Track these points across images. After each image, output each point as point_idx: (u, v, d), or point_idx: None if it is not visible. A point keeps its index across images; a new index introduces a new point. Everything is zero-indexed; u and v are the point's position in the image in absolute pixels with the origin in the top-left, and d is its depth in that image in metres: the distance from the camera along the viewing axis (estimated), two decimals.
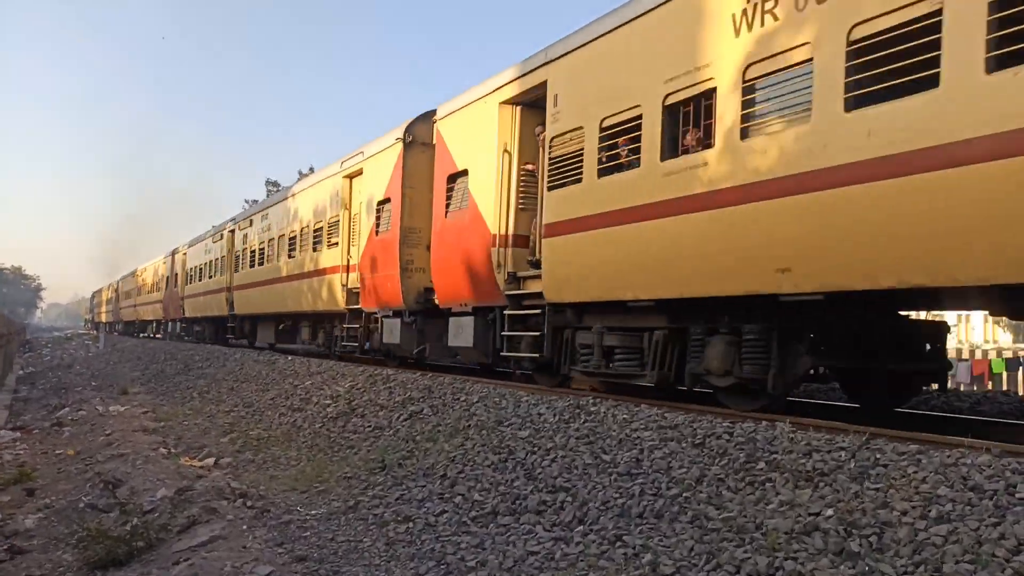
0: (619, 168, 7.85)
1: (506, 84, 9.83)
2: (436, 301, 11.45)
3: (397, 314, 12.64)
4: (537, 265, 9.12)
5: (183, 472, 8.26)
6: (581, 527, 5.16)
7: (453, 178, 11.09)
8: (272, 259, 19.31)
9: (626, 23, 7.77)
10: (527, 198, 9.88)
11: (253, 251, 21.08)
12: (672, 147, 7.19)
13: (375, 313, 13.57)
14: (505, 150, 9.94)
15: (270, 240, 19.71)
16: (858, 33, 5.49)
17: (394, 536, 5.78)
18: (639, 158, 7.49)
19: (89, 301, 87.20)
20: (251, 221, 21.84)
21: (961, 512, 3.88)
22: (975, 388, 14.56)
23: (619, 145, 7.91)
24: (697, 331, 7.21)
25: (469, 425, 7.72)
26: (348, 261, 14.63)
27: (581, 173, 8.26)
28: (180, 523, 6.22)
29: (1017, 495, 3.87)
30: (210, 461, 9.26)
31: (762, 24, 6.24)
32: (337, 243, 15.05)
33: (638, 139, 7.49)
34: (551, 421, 6.98)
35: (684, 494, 5.01)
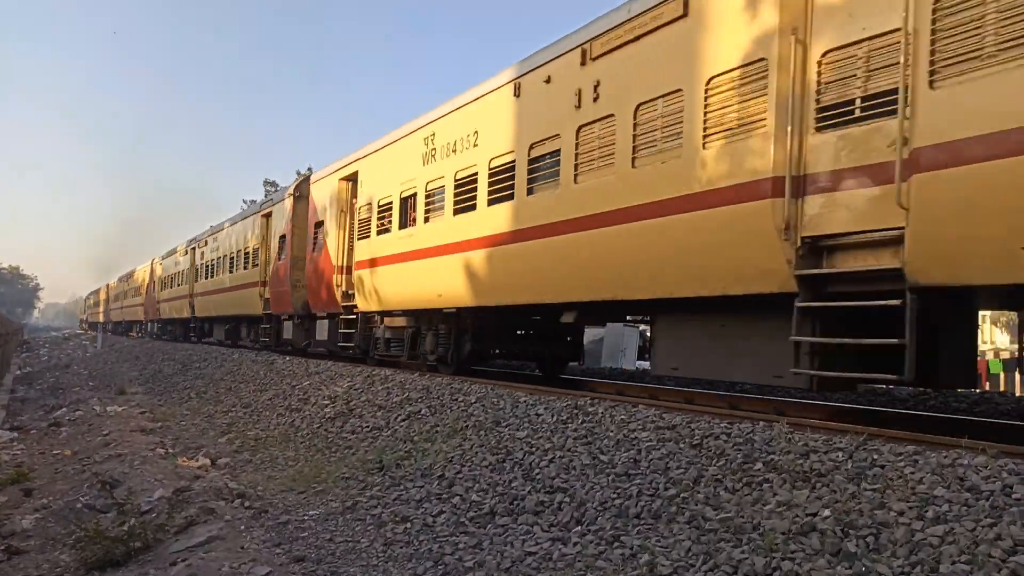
0: (385, 230, 12.88)
1: (342, 167, 15.07)
2: (311, 309, 16.53)
3: (290, 317, 17.89)
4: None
5: (181, 472, 8.26)
6: (579, 527, 5.16)
7: (317, 225, 16.22)
8: (219, 272, 24.29)
9: (391, 143, 13.03)
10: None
11: (207, 265, 26.04)
12: (403, 221, 12.36)
13: (280, 316, 18.68)
14: (341, 209, 14.94)
15: (218, 258, 24.74)
16: (495, 164, 9.93)
17: (392, 536, 5.79)
18: (390, 225, 12.71)
19: (83, 302, 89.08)
20: (206, 242, 26.78)
21: (958, 513, 3.89)
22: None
23: (385, 215, 12.92)
24: (422, 329, 12.21)
25: (467, 426, 7.73)
26: (264, 278, 19.43)
27: (368, 231, 13.50)
28: (178, 523, 6.21)
29: (1014, 496, 3.88)
30: (208, 461, 9.24)
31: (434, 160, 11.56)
32: (257, 264, 20.14)
33: (389, 213, 12.76)
34: (549, 422, 6.98)
35: (682, 494, 5.02)
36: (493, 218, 9.74)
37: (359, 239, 13.84)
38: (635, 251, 7.53)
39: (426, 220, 11.53)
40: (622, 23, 7.74)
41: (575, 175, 8.37)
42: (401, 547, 5.57)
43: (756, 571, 3.99)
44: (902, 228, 5.23)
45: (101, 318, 60.74)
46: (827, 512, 4.22)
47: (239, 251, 22.15)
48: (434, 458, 7.19)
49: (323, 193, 15.95)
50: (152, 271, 37.15)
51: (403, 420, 8.83)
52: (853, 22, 5.69)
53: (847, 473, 4.54)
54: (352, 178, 14.58)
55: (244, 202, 62.61)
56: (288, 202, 17.89)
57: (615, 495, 5.32)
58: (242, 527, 6.05)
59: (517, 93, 9.50)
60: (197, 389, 16.20)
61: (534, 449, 6.51)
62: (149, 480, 7.79)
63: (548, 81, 8.90)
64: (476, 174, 10.20)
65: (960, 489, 4.06)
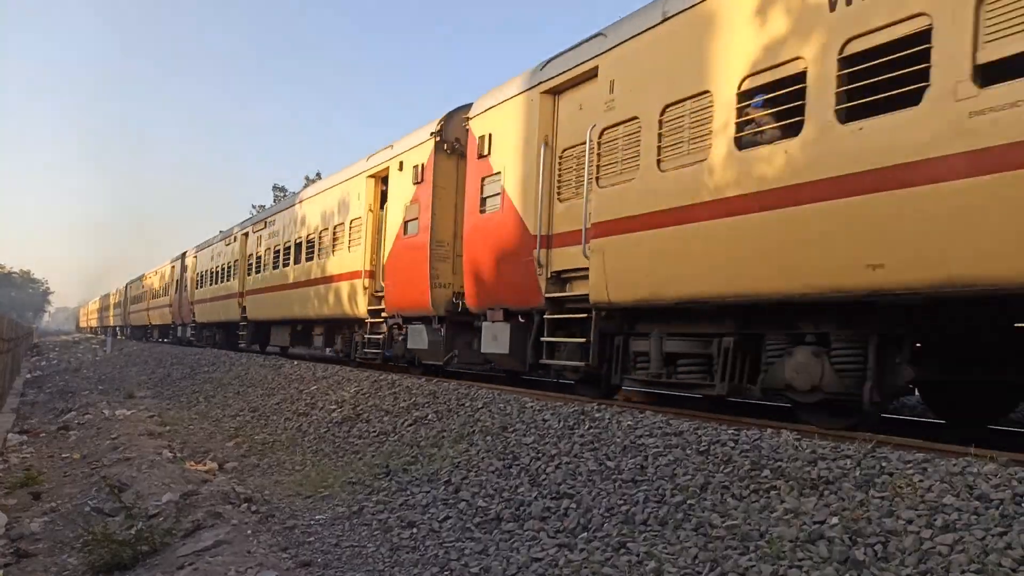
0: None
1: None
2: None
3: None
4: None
5: (188, 476, 8.28)
6: (585, 534, 5.15)
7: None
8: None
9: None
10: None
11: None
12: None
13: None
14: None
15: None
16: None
17: (398, 542, 5.78)
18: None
19: (79, 311, 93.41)
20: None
21: (967, 521, 3.86)
22: None
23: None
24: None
25: (474, 431, 7.72)
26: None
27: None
28: (185, 527, 6.23)
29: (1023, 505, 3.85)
30: (215, 466, 9.27)
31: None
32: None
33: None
34: (556, 427, 6.97)
35: (688, 501, 5.00)
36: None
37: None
38: None
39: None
40: None
41: None
42: (407, 552, 5.57)
43: None
44: (587, 269, 8.39)
45: (112, 322, 60.41)
46: (835, 520, 4.20)
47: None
48: (440, 463, 7.19)
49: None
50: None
51: (410, 425, 8.84)
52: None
53: (855, 480, 4.52)
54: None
55: (253, 207, 62.79)
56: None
57: (621, 501, 5.31)
58: (249, 531, 6.05)
59: None
60: (205, 393, 16.25)
61: (540, 455, 6.50)
62: (157, 484, 7.81)
63: None
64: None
65: (969, 497, 4.04)
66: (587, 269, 8.42)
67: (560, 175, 9.36)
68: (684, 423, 6.24)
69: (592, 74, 8.73)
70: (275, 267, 20.06)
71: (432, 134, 12.38)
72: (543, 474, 6.16)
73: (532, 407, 7.76)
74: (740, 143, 6.65)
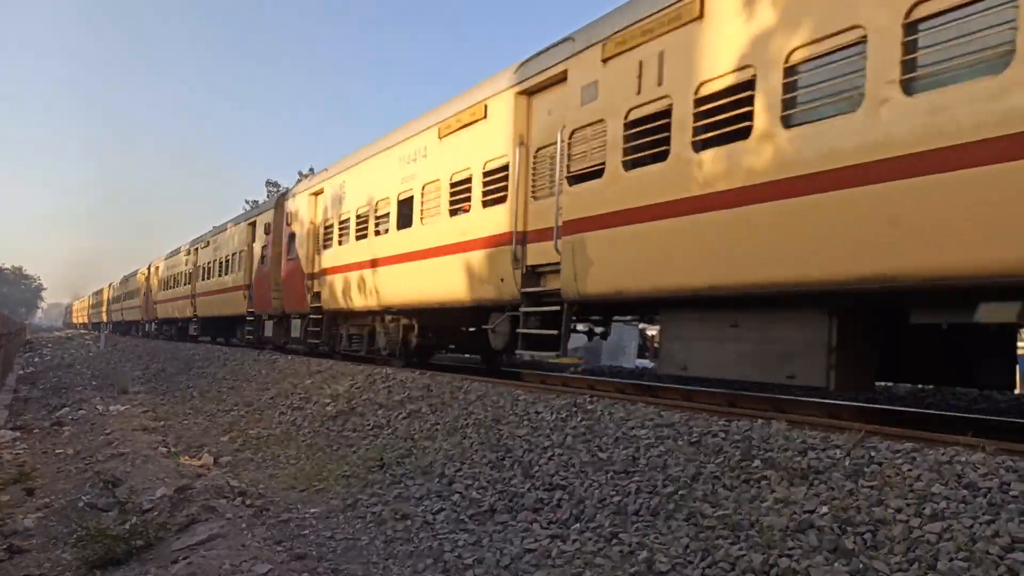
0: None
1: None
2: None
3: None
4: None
5: (183, 471, 8.28)
6: (578, 525, 5.18)
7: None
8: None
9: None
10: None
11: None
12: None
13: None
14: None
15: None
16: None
17: (392, 534, 5.80)
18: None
19: (65, 309, 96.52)
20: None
21: (955, 510, 3.90)
22: None
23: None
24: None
25: (467, 423, 7.74)
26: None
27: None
28: (179, 522, 6.23)
29: (1011, 493, 3.89)
30: (210, 460, 9.27)
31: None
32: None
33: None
34: (549, 419, 7.00)
35: (680, 492, 5.03)
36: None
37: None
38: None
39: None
40: None
41: None
42: (401, 544, 5.59)
43: (754, 568, 4.00)
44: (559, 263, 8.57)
45: (105, 318, 61.28)
46: (825, 509, 4.23)
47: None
48: (434, 456, 7.21)
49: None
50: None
51: (404, 418, 8.85)
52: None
53: (845, 470, 4.55)
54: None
55: (246, 202, 62.88)
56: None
57: (614, 492, 5.34)
58: (243, 525, 6.06)
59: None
60: (200, 388, 16.23)
61: (533, 447, 6.53)
62: (151, 479, 7.81)
63: None
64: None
65: (958, 486, 4.07)
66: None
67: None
68: (675, 415, 6.27)
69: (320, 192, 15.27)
70: (210, 277, 26.38)
71: (269, 208, 21.09)
72: (536, 466, 6.18)
73: (525, 400, 7.78)
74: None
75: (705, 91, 6.76)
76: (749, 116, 6.28)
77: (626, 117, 7.68)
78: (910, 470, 4.34)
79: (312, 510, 6.63)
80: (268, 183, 65.26)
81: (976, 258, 4.92)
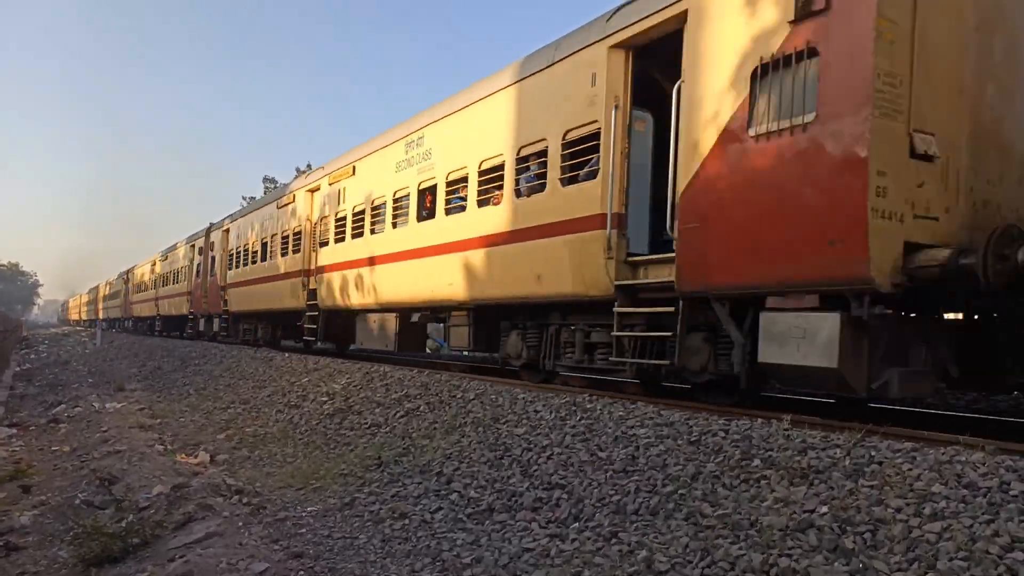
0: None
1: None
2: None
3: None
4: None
5: (179, 469, 8.25)
6: (577, 524, 5.16)
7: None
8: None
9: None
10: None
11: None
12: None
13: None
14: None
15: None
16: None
17: (390, 533, 5.78)
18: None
19: (60, 306, 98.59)
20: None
21: (955, 509, 3.89)
22: None
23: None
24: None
25: (466, 422, 7.72)
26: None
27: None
28: (176, 520, 6.21)
29: (1011, 492, 3.88)
30: (206, 458, 9.24)
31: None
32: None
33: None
34: (547, 418, 6.98)
35: (679, 491, 5.02)
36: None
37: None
38: None
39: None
40: None
41: None
42: (399, 543, 5.57)
43: (753, 567, 3.98)
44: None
45: (100, 315, 62.44)
46: (824, 509, 4.22)
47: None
48: (432, 454, 7.19)
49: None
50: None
51: (401, 417, 8.83)
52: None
53: (845, 470, 4.54)
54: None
55: (243, 199, 62.79)
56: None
57: (613, 491, 5.32)
58: (240, 523, 6.04)
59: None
60: (196, 386, 16.19)
61: (532, 446, 6.51)
62: (147, 476, 7.78)
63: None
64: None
65: (958, 486, 4.07)
66: None
67: None
68: (675, 413, 6.25)
69: (228, 229, 24.54)
70: (167, 284, 33.01)
71: (203, 234, 29.12)
72: (535, 465, 6.17)
73: (524, 398, 7.76)
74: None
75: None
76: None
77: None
78: (910, 469, 4.33)
79: (309, 508, 6.61)
80: (265, 179, 65.17)
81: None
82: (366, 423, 9.20)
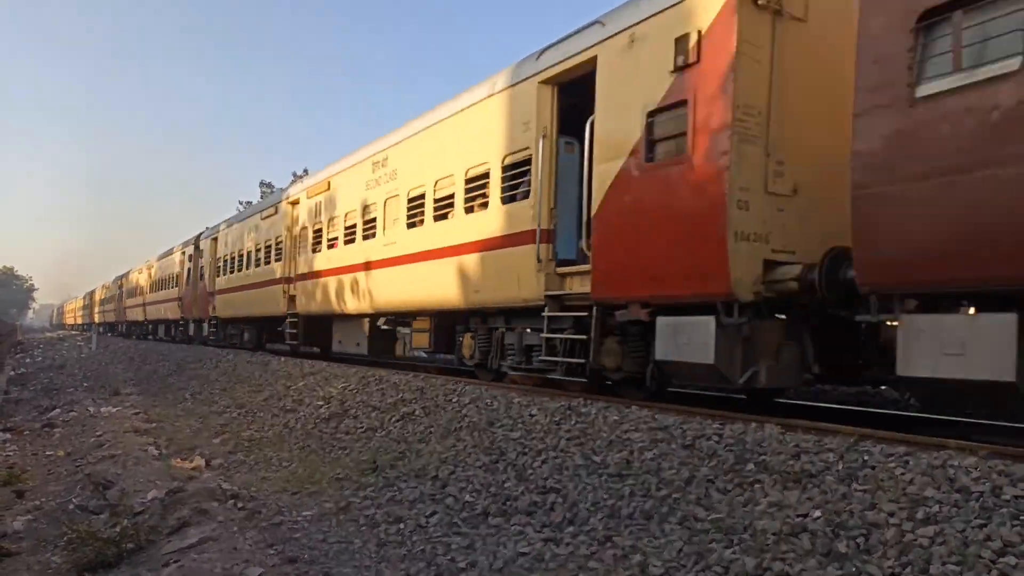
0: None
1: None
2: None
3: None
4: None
5: (174, 473, 8.23)
6: (571, 528, 5.17)
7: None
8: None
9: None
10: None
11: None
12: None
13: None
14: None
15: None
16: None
17: (385, 537, 5.78)
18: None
19: (56, 310, 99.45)
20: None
21: (948, 514, 3.91)
22: None
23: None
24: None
25: (461, 427, 7.73)
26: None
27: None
28: (170, 524, 6.20)
29: (1003, 497, 3.90)
30: (202, 462, 9.22)
31: None
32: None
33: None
34: (542, 423, 6.99)
35: (673, 495, 5.03)
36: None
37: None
38: None
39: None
40: None
41: None
42: (394, 547, 5.57)
43: (747, 571, 4.00)
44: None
45: (96, 319, 63.20)
46: (818, 513, 4.24)
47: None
48: (428, 459, 7.19)
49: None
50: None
51: (397, 421, 8.83)
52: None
53: (838, 474, 4.56)
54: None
55: (240, 203, 62.83)
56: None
57: (607, 495, 5.33)
58: (235, 528, 6.03)
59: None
60: (192, 390, 16.16)
61: (527, 450, 6.52)
62: (142, 481, 7.76)
63: None
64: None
65: (950, 490, 4.09)
66: None
67: None
68: (670, 418, 6.27)
69: (216, 239, 25.94)
70: (159, 290, 35.00)
71: (191, 242, 30.39)
72: (529, 469, 6.17)
73: (519, 403, 7.77)
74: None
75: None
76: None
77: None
78: (903, 474, 4.35)
79: (305, 513, 6.61)
80: (262, 184, 65.27)
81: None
82: (362, 427, 9.20)
